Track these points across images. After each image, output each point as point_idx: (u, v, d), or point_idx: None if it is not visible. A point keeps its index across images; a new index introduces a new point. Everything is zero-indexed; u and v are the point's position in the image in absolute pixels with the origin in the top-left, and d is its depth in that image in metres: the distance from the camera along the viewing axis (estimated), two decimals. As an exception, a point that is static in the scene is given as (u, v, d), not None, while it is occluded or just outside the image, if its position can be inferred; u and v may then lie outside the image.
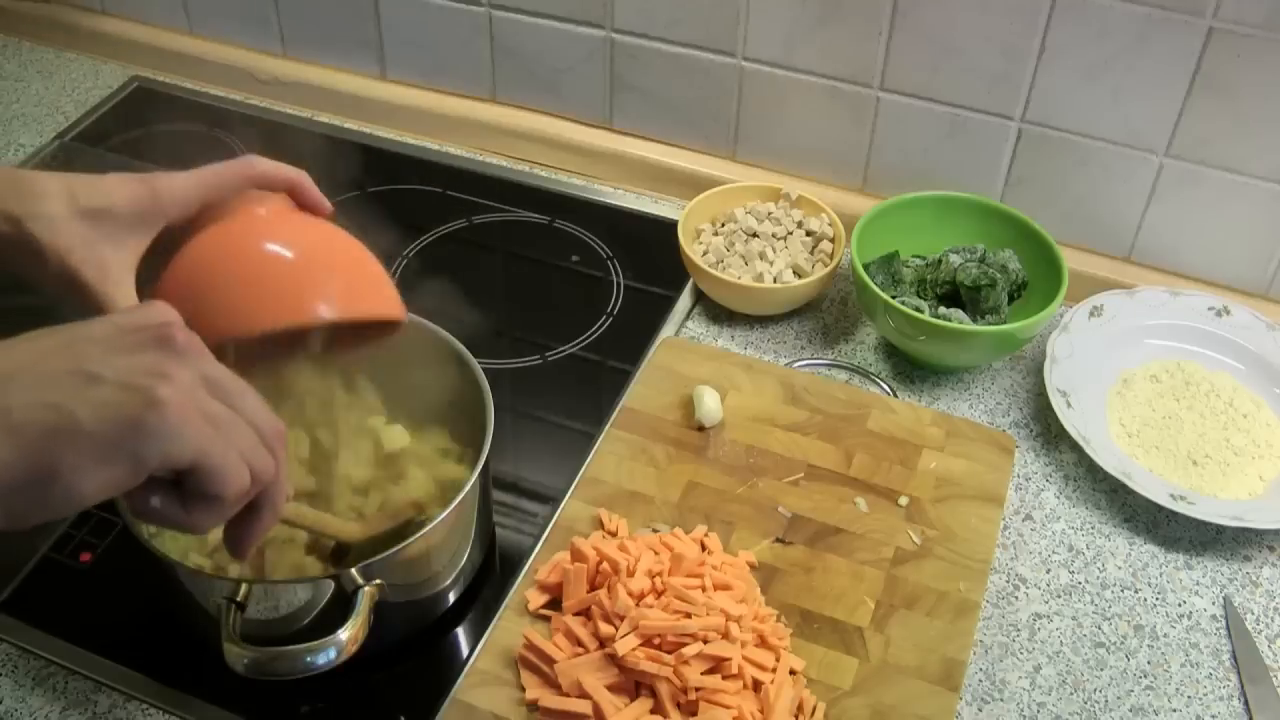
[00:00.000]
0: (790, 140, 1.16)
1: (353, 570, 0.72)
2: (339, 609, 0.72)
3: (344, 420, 0.87)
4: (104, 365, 0.49)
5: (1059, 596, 0.85)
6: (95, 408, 0.47)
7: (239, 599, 0.71)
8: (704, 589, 0.76)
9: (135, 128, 1.32)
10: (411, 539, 0.74)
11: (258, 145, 1.35)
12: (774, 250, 1.07)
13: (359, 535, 0.78)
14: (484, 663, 0.77)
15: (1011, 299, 1.01)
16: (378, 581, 0.73)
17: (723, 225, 1.11)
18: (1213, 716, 0.79)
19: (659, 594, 0.76)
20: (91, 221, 0.63)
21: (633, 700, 0.73)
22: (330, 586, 0.72)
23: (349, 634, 0.70)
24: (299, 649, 0.69)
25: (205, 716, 0.77)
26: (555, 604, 0.80)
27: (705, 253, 1.07)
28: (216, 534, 0.80)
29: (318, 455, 0.83)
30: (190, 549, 0.79)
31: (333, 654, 0.70)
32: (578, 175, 1.25)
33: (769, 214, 1.11)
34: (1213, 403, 0.97)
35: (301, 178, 0.69)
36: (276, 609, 0.73)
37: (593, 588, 0.78)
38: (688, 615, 0.73)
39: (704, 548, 0.83)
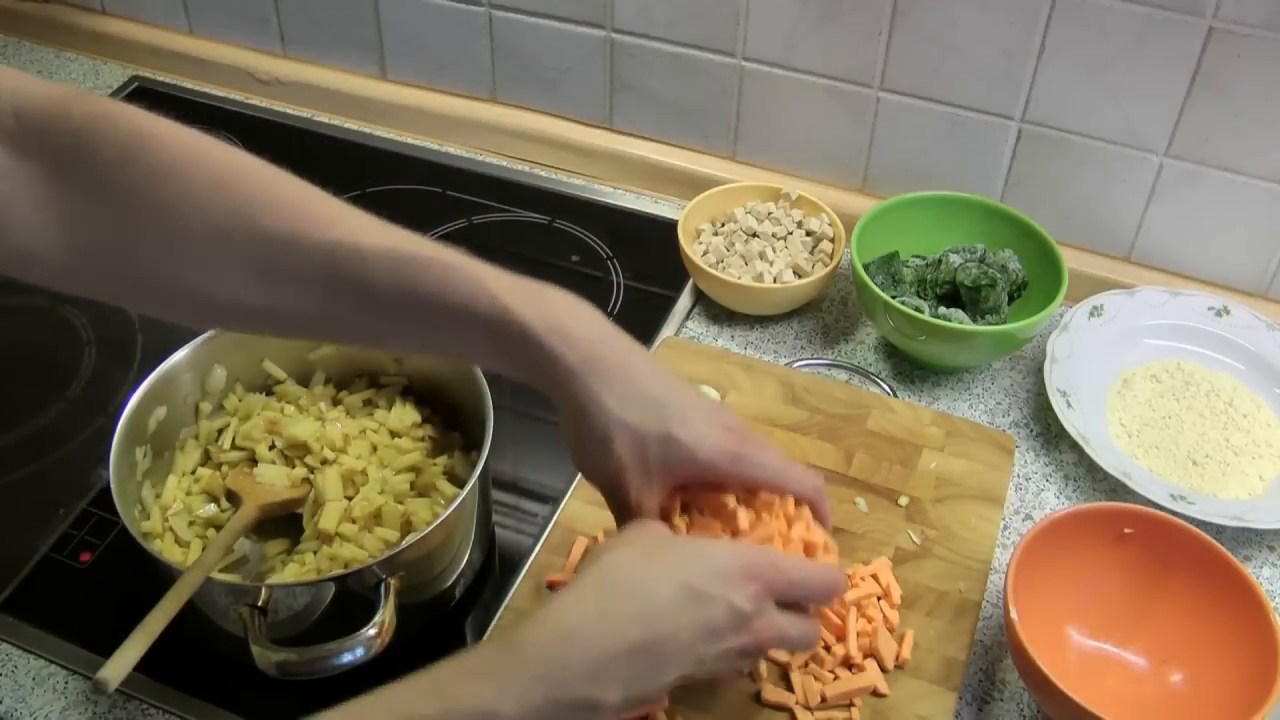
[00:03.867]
0: (790, 140, 1.16)
1: (373, 565, 0.72)
2: (359, 606, 0.72)
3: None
4: (702, 666, 0.60)
5: (1059, 596, 0.85)
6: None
7: (261, 604, 0.71)
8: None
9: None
10: (412, 540, 0.75)
11: (258, 146, 1.35)
12: (774, 250, 1.07)
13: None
14: (484, 663, 0.77)
15: (1011, 299, 1.01)
16: (400, 574, 0.73)
17: (723, 225, 1.11)
18: (1213, 716, 0.79)
19: None
20: (665, 450, 0.64)
21: None
22: (349, 584, 0.73)
23: (377, 629, 0.71)
24: (329, 647, 0.70)
25: (204, 716, 0.77)
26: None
27: (705, 253, 1.07)
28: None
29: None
30: (192, 555, 0.79)
31: (361, 651, 0.70)
32: (578, 175, 1.25)
33: (769, 214, 1.11)
34: (1213, 403, 0.97)
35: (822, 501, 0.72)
36: (296, 611, 0.73)
37: None
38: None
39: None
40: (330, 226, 0.63)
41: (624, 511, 0.67)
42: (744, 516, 0.67)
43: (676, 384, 0.67)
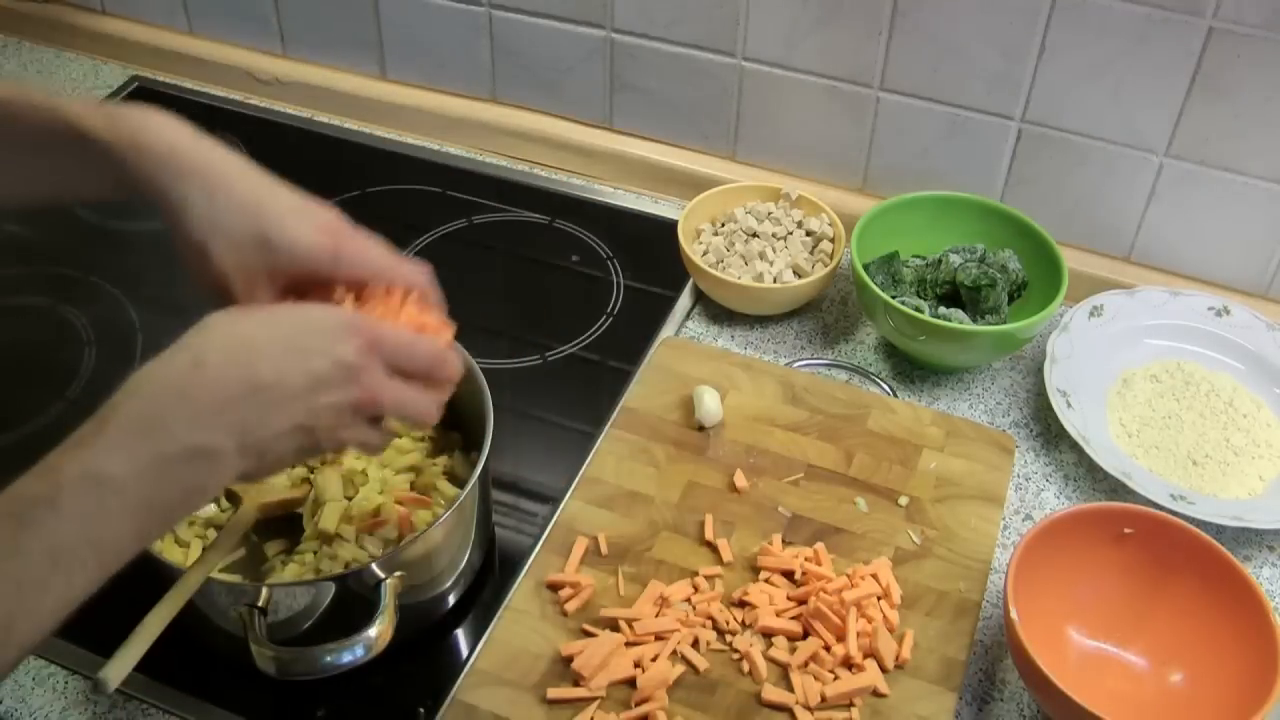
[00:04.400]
0: (790, 140, 1.16)
1: (372, 565, 0.72)
2: (359, 606, 0.72)
3: None
4: (319, 419, 0.61)
5: (1059, 596, 0.85)
6: (307, 451, 0.62)
7: (261, 604, 0.71)
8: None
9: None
10: (413, 539, 0.75)
11: (258, 146, 1.36)
12: (774, 250, 1.07)
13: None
14: (484, 663, 0.77)
15: (1011, 299, 1.01)
16: (399, 574, 0.73)
17: (723, 225, 1.11)
18: (1213, 716, 0.79)
19: None
20: (263, 252, 0.65)
21: None
22: (349, 584, 0.73)
23: (378, 629, 0.71)
24: (329, 647, 0.70)
25: (204, 716, 0.77)
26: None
27: (705, 253, 1.07)
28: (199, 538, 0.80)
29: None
30: (192, 555, 0.79)
31: (361, 651, 0.70)
32: (578, 175, 1.25)
33: (769, 214, 1.11)
34: (1213, 403, 0.97)
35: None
36: (296, 611, 0.73)
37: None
38: None
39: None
40: None
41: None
42: (349, 305, 0.67)
43: (271, 187, 0.67)
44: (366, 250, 0.68)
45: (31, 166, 0.68)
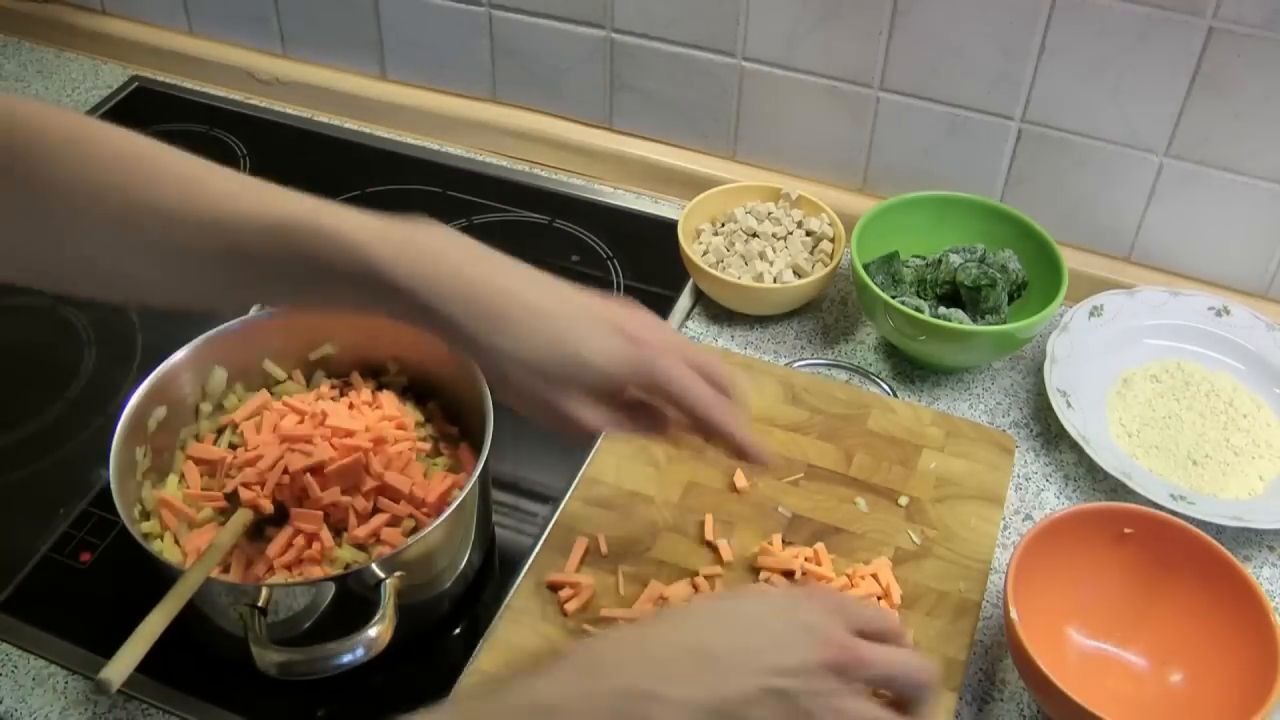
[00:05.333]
0: (790, 140, 1.16)
1: (372, 565, 0.72)
2: (359, 606, 0.72)
3: None
4: (790, 683, 0.55)
5: (1059, 596, 0.85)
6: None
7: (261, 604, 0.71)
8: None
9: (135, 128, 1.31)
10: (412, 540, 0.75)
11: (258, 146, 1.36)
12: (774, 250, 1.07)
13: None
14: (484, 663, 0.77)
15: (1011, 299, 1.01)
16: (399, 574, 0.73)
17: (723, 225, 1.11)
18: (1213, 716, 0.79)
19: None
20: (570, 373, 0.65)
21: None
22: (349, 584, 0.73)
23: (378, 630, 0.71)
24: (329, 647, 0.70)
25: (204, 716, 0.77)
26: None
27: (705, 253, 1.07)
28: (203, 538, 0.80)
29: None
30: (191, 555, 0.79)
31: (361, 651, 0.70)
32: (578, 175, 1.25)
33: (769, 214, 1.11)
34: (1213, 403, 0.97)
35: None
36: (296, 611, 0.73)
37: None
38: None
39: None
40: (202, 196, 0.65)
41: (569, 426, 0.66)
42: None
43: (564, 301, 0.67)
44: (672, 372, 0.66)
45: (313, 290, 0.67)
